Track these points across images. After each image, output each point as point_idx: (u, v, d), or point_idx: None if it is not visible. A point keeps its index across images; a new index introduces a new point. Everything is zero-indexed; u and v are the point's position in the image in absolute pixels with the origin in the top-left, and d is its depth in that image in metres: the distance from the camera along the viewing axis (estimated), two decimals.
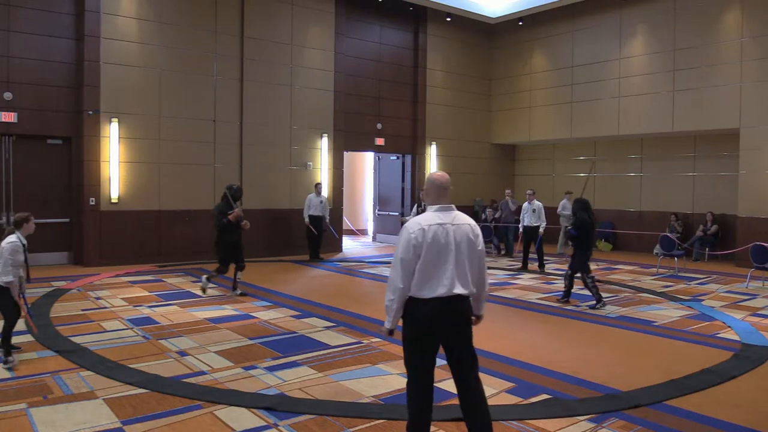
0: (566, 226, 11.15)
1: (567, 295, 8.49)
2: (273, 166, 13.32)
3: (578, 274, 8.30)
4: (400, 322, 3.59)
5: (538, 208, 11.88)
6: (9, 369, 5.11)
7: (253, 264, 12.14)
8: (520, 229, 12.38)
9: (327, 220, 13.01)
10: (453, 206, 3.63)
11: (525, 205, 12.17)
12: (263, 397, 4.58)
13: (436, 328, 3.47)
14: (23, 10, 10.72)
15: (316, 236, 12.68)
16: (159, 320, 7.04)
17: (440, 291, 3.42)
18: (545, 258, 11.87)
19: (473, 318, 3.70)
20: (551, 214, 16.02)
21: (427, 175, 16.60)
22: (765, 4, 12.09)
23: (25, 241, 5.36)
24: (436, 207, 3.58)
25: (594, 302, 8.16)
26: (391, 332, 3.57)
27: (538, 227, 11.79)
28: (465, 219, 3.63)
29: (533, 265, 11.80)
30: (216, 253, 8.84)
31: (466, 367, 3.56)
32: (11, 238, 5.30)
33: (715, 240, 13.36)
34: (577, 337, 6.58)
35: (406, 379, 3.62)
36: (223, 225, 8.43)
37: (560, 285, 9.95)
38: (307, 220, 12.61)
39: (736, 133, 12.63)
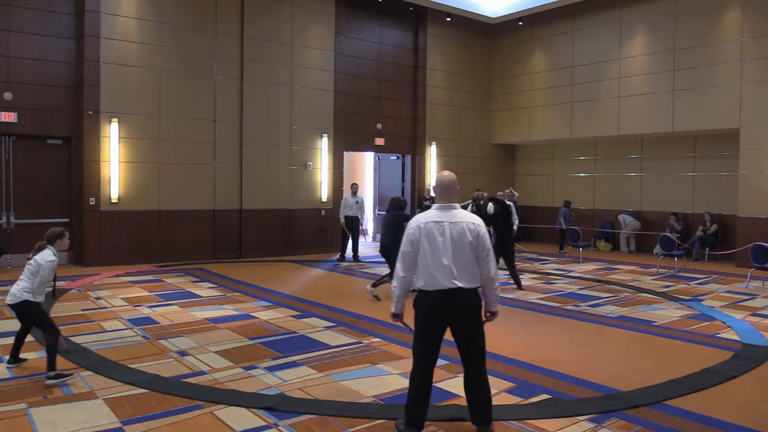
0: (489, 229, 11.19)
1: (518, 282, 9.53)
2: (273, 166, 13.31)
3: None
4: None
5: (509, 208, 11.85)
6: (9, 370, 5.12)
7: (253, 264, 12.15)
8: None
9: (362, 221, 12.97)
10: (455, 205, 3.85)
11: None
12: (263, 397, 4.57)
13: (439, 317, 3.72)
14: (23, 10, 10.72)
15: (349, 237, 12.61)
16: (159, 320, 7.04)
17: (441, 284, 3.68)
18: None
19: (487, 314, 3.91)
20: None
21: (428, 175, 16.50)
22: (765, 4, 12.09)
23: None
24: (437, 205, 3.86)
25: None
26: (395, 316, 3.90)
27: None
28: (465, 217, 3.83)
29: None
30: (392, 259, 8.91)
31: (471, 356, 3.77)
32: (49, 256, 4.93)
33: (715, 240, 13.36)
34: (577, 337, 6.58)
35: (407, 378, 3.81)
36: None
37: (559, 285, 10.00)
38: (342, 220, 12.58)
39: (736, 133, 12.63)
